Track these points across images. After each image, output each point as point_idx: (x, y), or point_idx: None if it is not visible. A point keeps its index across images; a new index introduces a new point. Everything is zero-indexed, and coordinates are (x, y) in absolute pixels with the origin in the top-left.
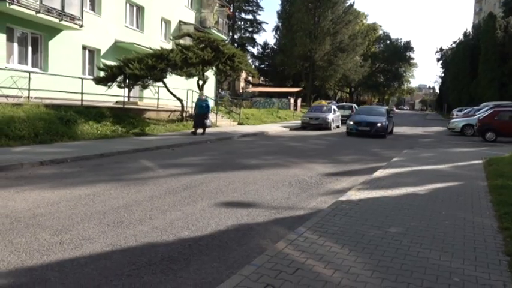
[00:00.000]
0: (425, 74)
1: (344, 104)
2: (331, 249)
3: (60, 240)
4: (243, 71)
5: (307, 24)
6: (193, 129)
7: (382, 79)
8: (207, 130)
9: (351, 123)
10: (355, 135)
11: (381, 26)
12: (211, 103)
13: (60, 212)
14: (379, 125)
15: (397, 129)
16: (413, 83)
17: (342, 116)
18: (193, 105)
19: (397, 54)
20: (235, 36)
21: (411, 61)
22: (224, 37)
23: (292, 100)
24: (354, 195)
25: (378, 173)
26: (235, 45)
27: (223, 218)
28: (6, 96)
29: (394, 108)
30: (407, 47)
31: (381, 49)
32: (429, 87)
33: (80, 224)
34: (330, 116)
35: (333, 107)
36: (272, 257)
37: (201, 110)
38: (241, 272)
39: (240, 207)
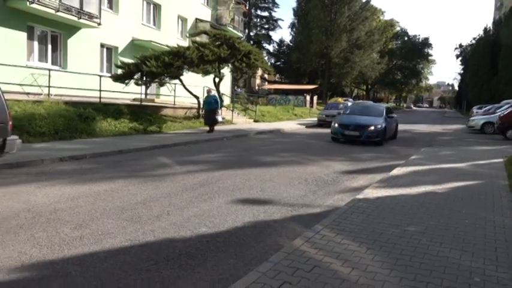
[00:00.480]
0: (444, 71)
1: (360, 101)
2: (349, 247)
3: (81, 234)
4: (259, 68)
5: (323, 21)
6: (208, 128)
7: (400, 76)
8: (222, 127)
9: (336, 125)
10: (341, 142)
11: (398, 22)
12: (226, 100)
13: (80, 207)
14: (371, 128)
15: (415, 127)
16: (432, 80)
17: None
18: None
19: (415, 51)
20: (251, 34)
21: (429, 58)
22: (240, 34)
23: (308, 97)
24: (371, 193)
25: (396, 171)
26: (251, 42)
27: (240, 215)
28: (27, 94)
29: (412, 106)
30: (426, 43)
31: (398, 46)
32: (448, 84)
33: (100, 219)
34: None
35: (350, 104)
36: (289, 254)
37: (210, 106)
38: (258, 268)
39: (257, 204)
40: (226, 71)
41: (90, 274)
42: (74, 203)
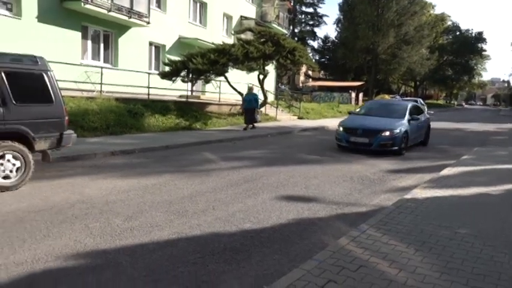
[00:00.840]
0: (499, 66)
1: (409, 98)
2: (396, 248)
3: (131, 226)
4: (303, 65)
5: (370, 16)
6: (245, 125)
7: (451, 72)
8: (266, 124)
9: (341, 129)
10: (348, 151)
11: (449, 16)
12: (270, 96)
13: (130, 200)
14: (386, 134)
15: (467, 126)
16: (485, 76)
17: None
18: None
19: (468, 46)
20: (296, 30)
21: (483, 53)
22: (285, 31)
23: (353, 94)
24: (420, 193)
25: (446, 171)
26: (296, 39)
27: (284, 212)
28: (82, 90)
29: (463, 103)
30: (479, 38)
31: (449, 41)
32: (503, 80)
33: (148, 212)
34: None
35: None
36: (334, 252)
37: (250, 105)
38: (303, 266)
39: (301, 202)
40: (270, 67)
41: (140, 265)
42: (125, 195)
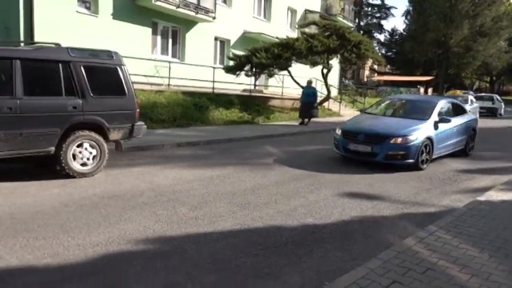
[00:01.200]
0: None
1: (483, 94)
2: (467, 252)
3: (196, 215)
4: (369, 59)
5: (442, 6)
6: (301, 120)
7: None
8: (329, 119)
9: (339, 133)
10: (348, 162)
11: None
12: (334, 91)
13: (195, 190)
14: (397, 141)
15: None
16: None
17: (481, 107)
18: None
19: None
20: (362, 23)
21: None
22: (350, 24)
23: (422, 90)
24: (496, 195)
25: None
26: (361, 32)
27: (346, 208)
28: (151, 84)
29: None
30: None
31: None
32: None
33: (212, 203)
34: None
35: (470, 97)
36: (400, 253)
37: (308, 99)
38: (366, 264)
39: (365, 199)
40: (334, 62)
41: (204, 253)
42: (190, 185)
